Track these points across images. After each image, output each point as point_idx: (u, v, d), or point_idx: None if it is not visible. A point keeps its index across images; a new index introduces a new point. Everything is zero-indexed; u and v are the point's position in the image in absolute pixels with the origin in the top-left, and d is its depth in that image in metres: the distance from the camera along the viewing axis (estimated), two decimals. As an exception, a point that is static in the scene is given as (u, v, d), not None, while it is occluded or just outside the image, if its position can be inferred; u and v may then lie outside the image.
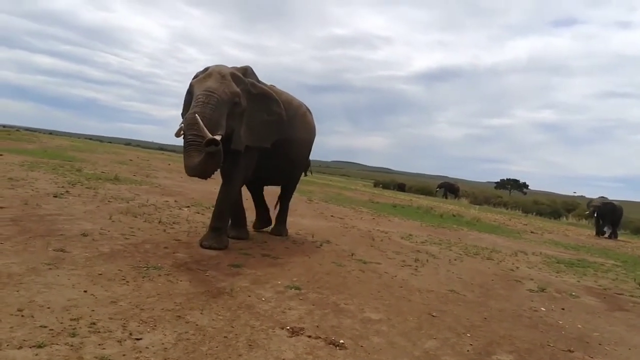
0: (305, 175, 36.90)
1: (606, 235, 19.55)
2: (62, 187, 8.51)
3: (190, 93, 5.70)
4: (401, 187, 44.08)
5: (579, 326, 4.96)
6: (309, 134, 7.70)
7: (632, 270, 9.91)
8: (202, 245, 5.77)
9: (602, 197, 20.83)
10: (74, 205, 7.02)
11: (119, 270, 4.27)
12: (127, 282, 4.00)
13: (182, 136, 5.23)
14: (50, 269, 3.99)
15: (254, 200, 7.85)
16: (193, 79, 5.85)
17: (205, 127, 4.97)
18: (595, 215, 19.61)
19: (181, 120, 5.68)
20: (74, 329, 2.91)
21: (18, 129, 31.32)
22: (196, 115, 5.02)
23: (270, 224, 7.89)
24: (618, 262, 11.00)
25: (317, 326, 3.69)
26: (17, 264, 3.96)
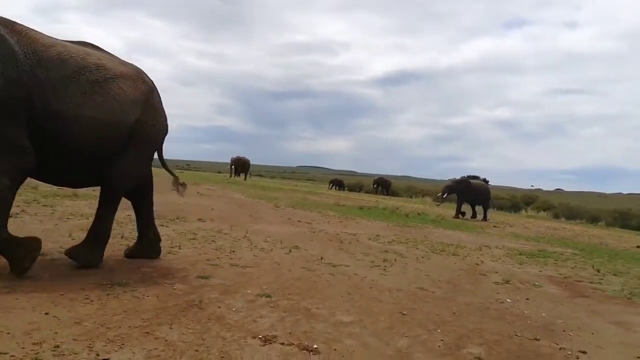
0: (245, 177, 34.63)
1: (468, 217, 18.69)
2: (17, 206, 8.15)
3: None
4: (340, 184, 44.95)
5: (544, 315, 5.12)
6: (109, 111, 4.65)
7: (590, 257, 10.34)
8: None
9: (476, 176, 20.29)
10: (31, 224, 6.75)
11: (81, 289, 4.12)
12: (91, 301, 3.87)
13: None
14: (8, 292, 3.82)
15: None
16: None
17: None
18: (446, 195, 19.58)
19: None
20: (36, 353, 2.79)
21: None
22: None
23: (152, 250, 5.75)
24: (576, 251, 11.46)
25: (290, 333, 3.68)
26: (-28, 290, 3.77)
